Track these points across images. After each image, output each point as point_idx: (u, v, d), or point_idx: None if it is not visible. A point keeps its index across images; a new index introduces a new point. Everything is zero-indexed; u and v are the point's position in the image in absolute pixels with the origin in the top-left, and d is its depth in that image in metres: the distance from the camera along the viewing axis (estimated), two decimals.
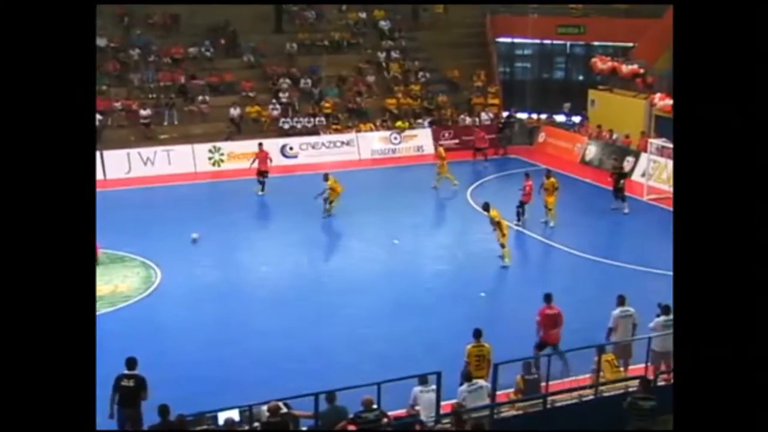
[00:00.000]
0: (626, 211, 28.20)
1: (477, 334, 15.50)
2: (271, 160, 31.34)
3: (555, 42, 44.51)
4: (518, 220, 26.69)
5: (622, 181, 28.80)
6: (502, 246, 23.07)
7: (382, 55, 42.19)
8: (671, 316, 16.06)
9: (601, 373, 15.39)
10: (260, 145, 31.60)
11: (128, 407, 13.66)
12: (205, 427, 12.69)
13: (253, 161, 31.11)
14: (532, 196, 26.94)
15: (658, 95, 34.48)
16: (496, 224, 23.06)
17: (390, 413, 13.33)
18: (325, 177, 27.78)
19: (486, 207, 23.58)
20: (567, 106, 40.70)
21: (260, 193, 30.59)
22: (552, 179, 27.19)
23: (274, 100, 38.38)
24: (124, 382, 13.66)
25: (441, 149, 33.00)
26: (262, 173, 30.77)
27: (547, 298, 16.99)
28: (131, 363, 13.81)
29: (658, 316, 16.29)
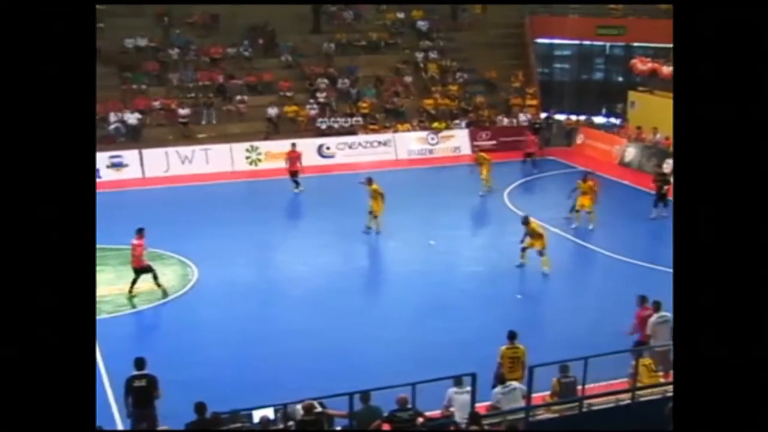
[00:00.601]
0: (665, 214, 27.88)
1: (511, 336, 15.41)
2: (301, 162, 31.30)
3: (594, 43, 44.17)
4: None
5: (665, 187, 28.24)
6: (542, 254, 22.73)
7: (419, 56, 42.15)
8: None
9: (639, 378, 15.22)
10: (293, 145, 31.72)
11: (142, 407, 13.69)
12: (239, 425, 12.72)
13: (287, 161, 31.29)
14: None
15: None
16: (537, 236, 22.69)
17: (426, 413, 13.30)
18: (369, 182, 26.19)
19: (526, 221, 23.03)
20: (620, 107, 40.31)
21: (296, 190, 30.68)
22: (590, 182, 26.96)
23: (311, 100, 38.50)
24: (136, 383, 13.62)
25: (482, 154, 32.06)
26: (293, 173, 30.93)
27: (642, 299, 17.15)
28: (140, 363, 13.75)
29: None
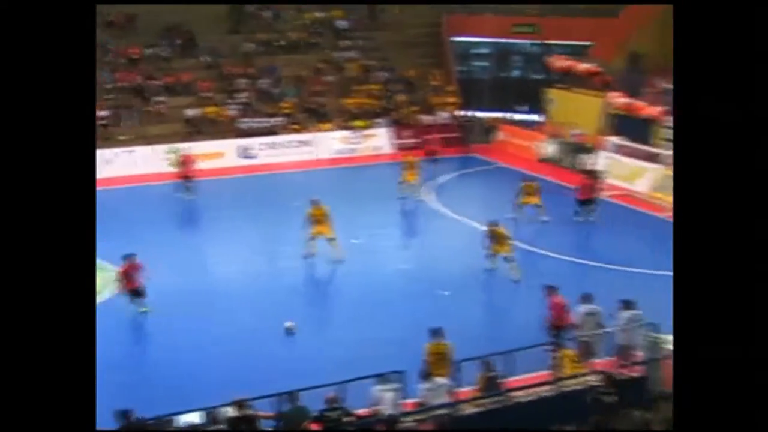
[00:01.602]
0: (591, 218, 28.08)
1: (435, 332, 15.58)
2: (194, 166, 30.47)
3: (512, 41, 44.77)
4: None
5: (596, 186, 28.33)
6: (509, 260, 22.23)
7: (339, 55, 42.18)
8: (636, 311, 16.35)
9: (562, 369, 15.53)
10: (181, 151, 31.04)
11: None
12: (165, 429, 12.64)
13: (178, 165, 30.41)
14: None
15: (614, 93, 34.87)
16: (505, 239, 22.28)
17: (355, 411, 13.38)
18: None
19: (494, 224, 22.64)
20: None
21: (185, 196, 29.69)
22: (534, 183, 27.45)
23: (229, 100, 38.20)
24: None
25: (410, 157, 30.81)
26: (185, 177, 30.04)
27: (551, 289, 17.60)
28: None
29: (620, 311, 16.48)
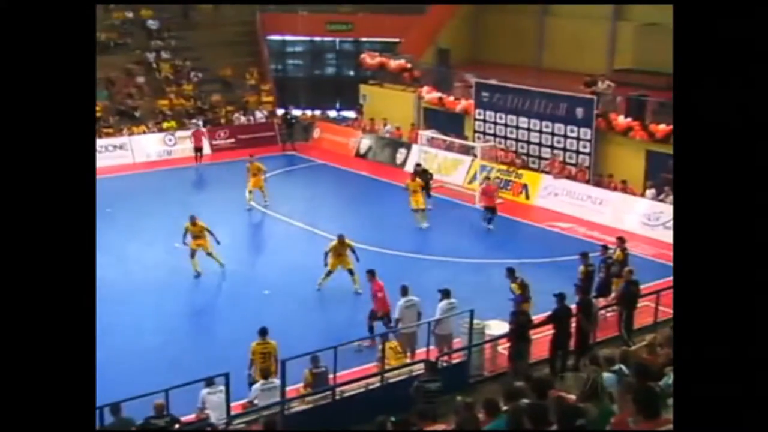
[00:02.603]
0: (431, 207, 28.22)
1: (262, 332, 15.66)
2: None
3: (325, 39, 45.21)
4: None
5: (430, 182, 28.86)
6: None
7: (151, 56, 41.27)
8: (452, 300, 16.93)
9: (386, 361, 15.94)
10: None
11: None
12: None
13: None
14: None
15: (425, 88, 35.85)
16: (199, 234, 22.59)
17: (182, 418, 13.25)
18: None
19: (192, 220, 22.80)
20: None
21: None
22: (418, 180, 27.14)
23: None
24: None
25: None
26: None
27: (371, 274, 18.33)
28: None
29: (440, 300, 17.02)
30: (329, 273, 21.28)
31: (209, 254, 22.71)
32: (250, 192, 28.69)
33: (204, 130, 36.66)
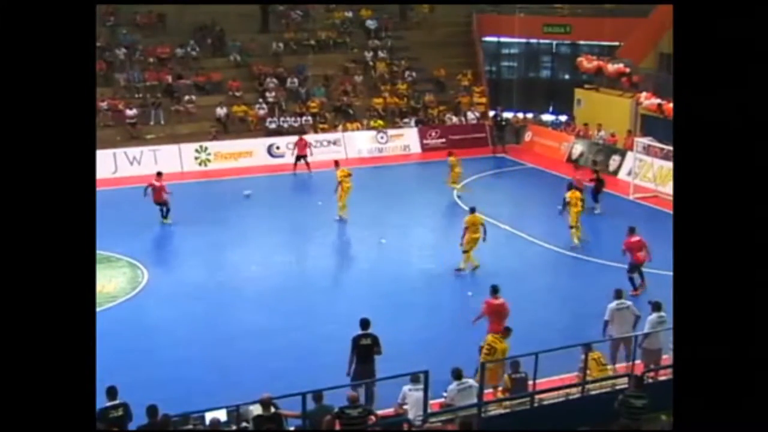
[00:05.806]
0: (597, 211, 28.15)
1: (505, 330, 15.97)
2: (167, 191, 27.17)
3: (541, 41, 44.62)
4: (634, 288, 21.19)
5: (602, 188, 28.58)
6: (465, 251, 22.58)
7: (368, 55, 42.19)
8: (662, 313, 16.21)
9: (588, 372, 15.43)
10: (158, 174, 27.67)
11: (364, 363, 15.27)
12: (191, 426, 12.66)
13: (146, 189, 27.18)
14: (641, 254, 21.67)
15: (643, 94, 34.62)
16: (465, 230, 22.53)
17: (379, 412, 13.33)
18: (336, 164, 28.45)
19: (472, 210, 23.11)
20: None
21: (165, 221, 27.11)
22: (577, 192, 25.88)
23: (260, 100, 38.34)
24: (363, 341, 15.32)
25: (452, 158, 31.66)
26: (160, 203, 27.07)
27: (494, 289, 17.42)
28: (365, 324, 15.57)
29: (651, 313, 16.37)
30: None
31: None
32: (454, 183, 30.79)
33: (308, 140, 34.81)
